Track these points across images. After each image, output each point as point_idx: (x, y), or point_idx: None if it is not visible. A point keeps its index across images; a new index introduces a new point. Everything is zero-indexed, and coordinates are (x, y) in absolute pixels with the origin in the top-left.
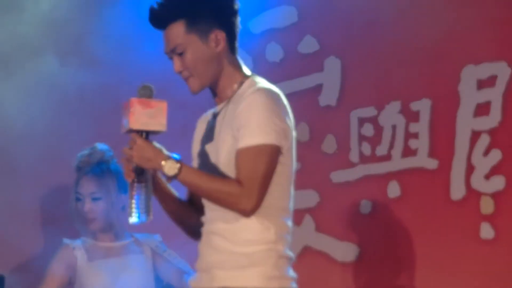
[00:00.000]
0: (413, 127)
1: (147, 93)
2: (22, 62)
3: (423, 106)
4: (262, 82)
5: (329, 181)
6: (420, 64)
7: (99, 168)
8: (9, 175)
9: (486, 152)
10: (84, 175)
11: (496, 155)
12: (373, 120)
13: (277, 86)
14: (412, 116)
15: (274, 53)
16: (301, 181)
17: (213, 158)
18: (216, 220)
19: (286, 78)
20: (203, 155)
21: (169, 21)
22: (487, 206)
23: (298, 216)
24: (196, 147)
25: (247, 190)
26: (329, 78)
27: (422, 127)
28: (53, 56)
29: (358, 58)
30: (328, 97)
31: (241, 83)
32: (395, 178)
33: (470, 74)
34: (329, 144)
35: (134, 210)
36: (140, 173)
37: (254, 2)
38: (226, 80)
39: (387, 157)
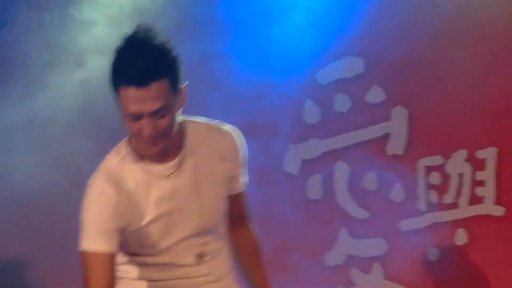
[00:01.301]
0: (480, 175)
1: None
2: None
3: (489, 154)
4: (202, 119)
5: (397, 229)
6: (486, 113)
7: None
8: None
9: None
10: None
11: None
12: (440, 169)
13: (345, 136)
14: (478, 164)
15: (342, 103)
16: (370, 230)
17: (197, 215)
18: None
19: (354, 128)
20: (175, 214)
21: (156, 77)
22: None
23: (367, 264)
24: (153, 210)
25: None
26: (397, 128)
27: (488, 175)
28: None
29: (425, 107)
30: (396, 146)
31: (181, 132)
32: (463, 226)
33: None
34: (397, 193)
35: None
36: None
37: (321, 53)
38: (175, 136)
39: (454, 205)
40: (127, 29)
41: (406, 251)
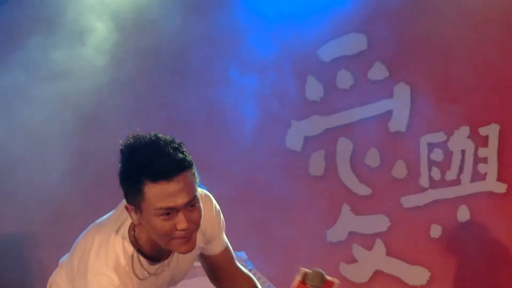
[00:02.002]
0: (482, 152)
1: (317, 282)
2: None
3: (491, 131)
4: None
5: (399, 206)
6: (488, 90)
7: None
8: None
9: None
10: None
11: None
12: (443, 145)
13: (348, 113)
14: (481, 141)
15: (345, 80)
16: (372, 206)
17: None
18: None
19: (357, 105)
20: None
21: (182, 168)
22: None
23: (369, 240)
24: None
25: None
26: (399, 104)
27: (491, 151)
28: None
29: (427, 84)
30: (398, 123)
31: None
32: (465, 203)
33: None
34: (399, 170)
35: None
36: None
37: (323, 30)
38: None
39: (457, 182)
40: None
41: (408, 228)
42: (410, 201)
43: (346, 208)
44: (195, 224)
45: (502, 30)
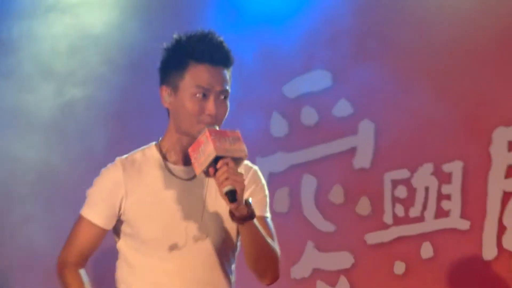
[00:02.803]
0: (446, 189)
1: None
2: None
3: (455, 168)
4: None
5: (363, 243)
6: (452, 127)
7: None
8: None
9: None
10: None
11: None
12: (406, 182)
13: (312, 149)
14: (444, 178)
15: (309, 116)
16: (336, 243)
17: (211, 225)
18: None
19: (321, 141)
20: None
21: (229, 63)
22: None
23: (333, 277)
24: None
25: None
26: (363, 141)
27: (454, 188)
28: None
29: (391, 121)
30: (362, 160)
31: None
32: (428, 239)
33: (502, 135)
34: (363, 206)
35: None
36: (232, 198)
37: (288, 66)
38: None
39: (420, 219)
40: None
41: (372, 265)
42: (374, 237)
43: (310, 245)
44: (221, 116)
45: (468, 65)
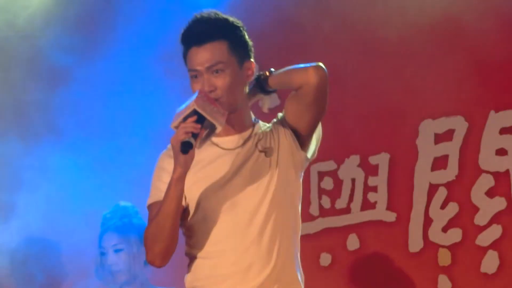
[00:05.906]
0: (372, 181)
1: None
2: None
3: (381, 160)
4: None
5: None
6: (379, 119)
7: (121, 222)
8: None
9: (443, 205)
10: (107, 230)
11: (453, 208)
12: (333, 174)
13: None
14: (371, 170)
15: None
16: None
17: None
18: None
19: None
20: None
21: (213, 38)
22: (444, 258)
23: None
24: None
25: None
26: None
27: (380, 180)
28: None
29: None
30: None
31: (254, 125)
32: (354, 231)
33: (428, 128)
34: None
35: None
36: (185, 149)
37: None
38: (244, 113)
39: (347, 210)
40: None
41: None
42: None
43: None
44: (218, 89)
45: (395, 59)
